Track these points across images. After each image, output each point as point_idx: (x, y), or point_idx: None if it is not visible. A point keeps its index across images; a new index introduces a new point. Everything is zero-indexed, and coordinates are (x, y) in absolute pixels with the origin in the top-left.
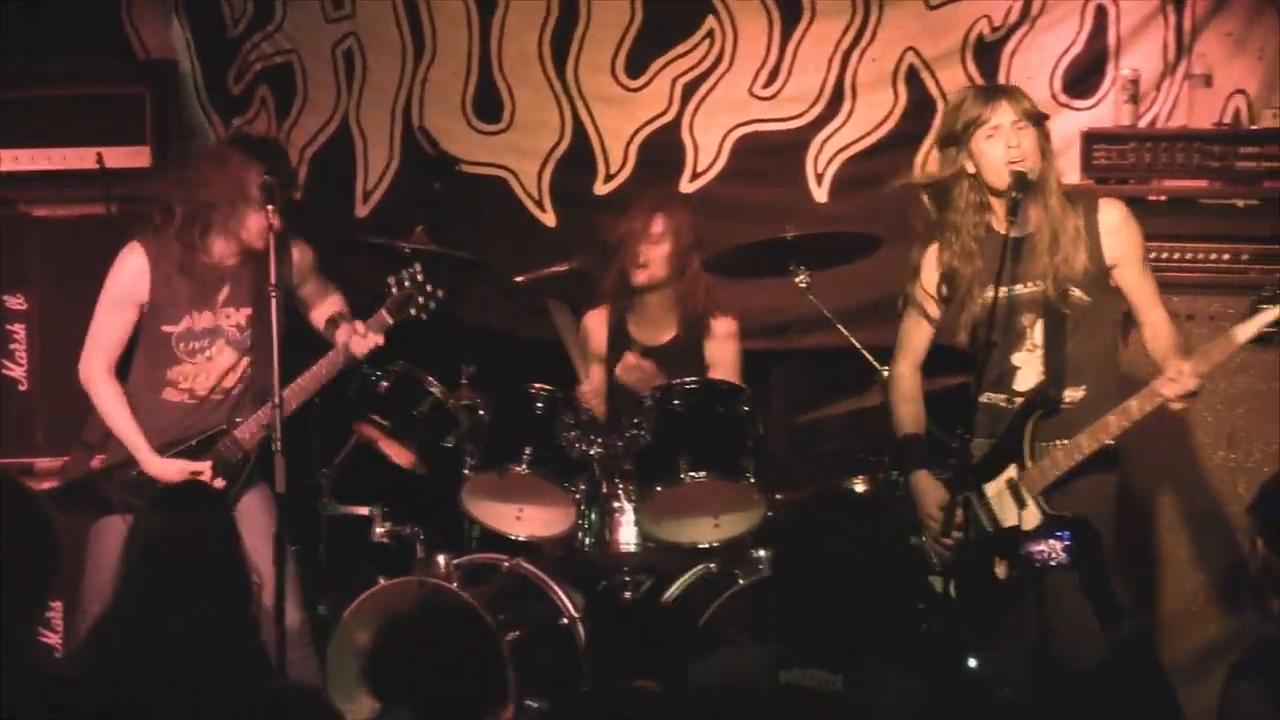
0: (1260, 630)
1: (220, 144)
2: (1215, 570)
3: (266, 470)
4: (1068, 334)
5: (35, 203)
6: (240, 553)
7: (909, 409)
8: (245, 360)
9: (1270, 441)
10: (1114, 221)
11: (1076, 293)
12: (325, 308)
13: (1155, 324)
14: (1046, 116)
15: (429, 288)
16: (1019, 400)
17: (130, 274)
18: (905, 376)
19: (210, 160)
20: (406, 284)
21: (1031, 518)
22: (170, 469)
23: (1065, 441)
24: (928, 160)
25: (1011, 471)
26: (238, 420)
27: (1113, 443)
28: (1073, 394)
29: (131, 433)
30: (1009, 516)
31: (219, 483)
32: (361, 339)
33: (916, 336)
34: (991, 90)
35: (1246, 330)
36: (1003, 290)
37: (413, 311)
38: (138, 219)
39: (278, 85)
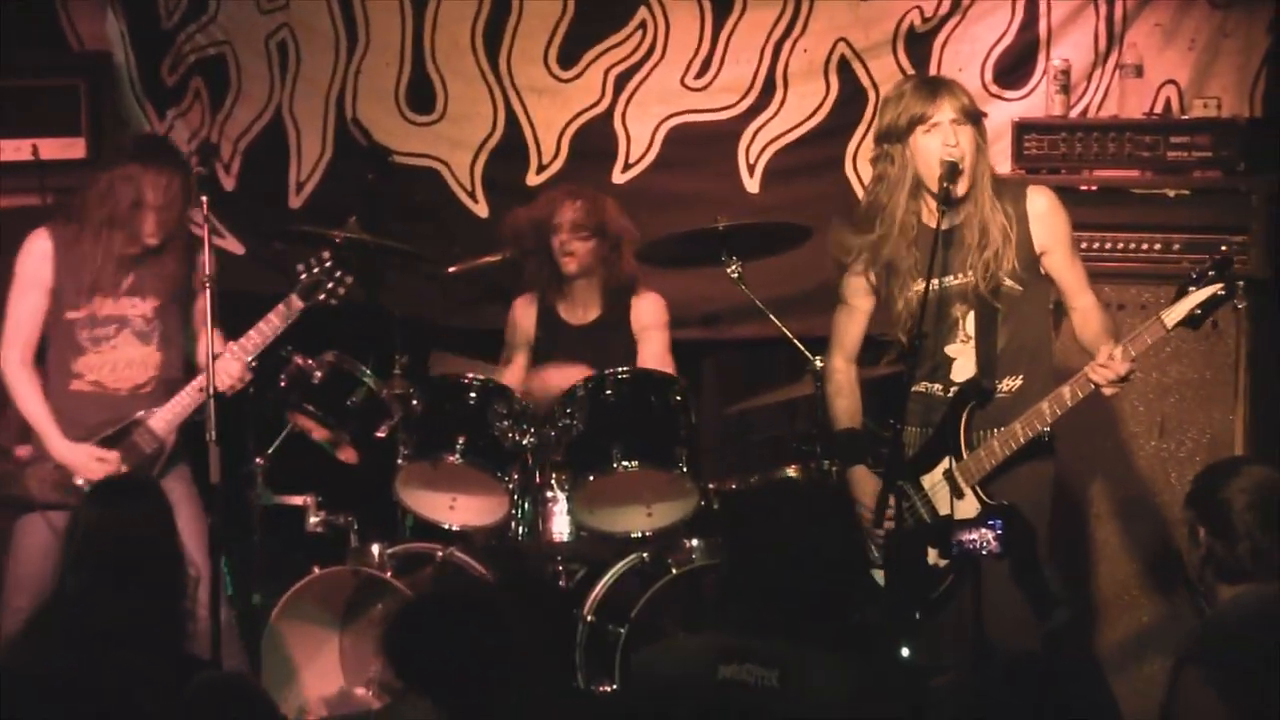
0: (1205, 617)
1: (120, 151)
2: (1147, 559)
3: (187, 458)
4: (1000, 324)
5: None
6: (178, 545)
7: (843, 403)
8: (156, 354)
9: (1202, 430)
10: (1041, 209)
11: (1008, 283)
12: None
13: (1084, 310)
14: (984, 114)
15: (338, 273)
16: (954, 391)
17: (35, 258)
18: (839, 370)
19: (112, 167)
20: (315, 269)
21: (969, 507)
22: (79, 455)
23: (1001, 430)
24: (859, 157)
25: (948, 463)
26: (152, 410)
27: (1048, 430)
28: (1010, 383)
29: (43, 420)
30: (946, 508)
31: (123, 469)
32: (270, 324)
33: (847, 330)
34: (932, 86)
35: (1175, 313)
36: (933, 282)
37: (321, 296)
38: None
39: (212, 77)
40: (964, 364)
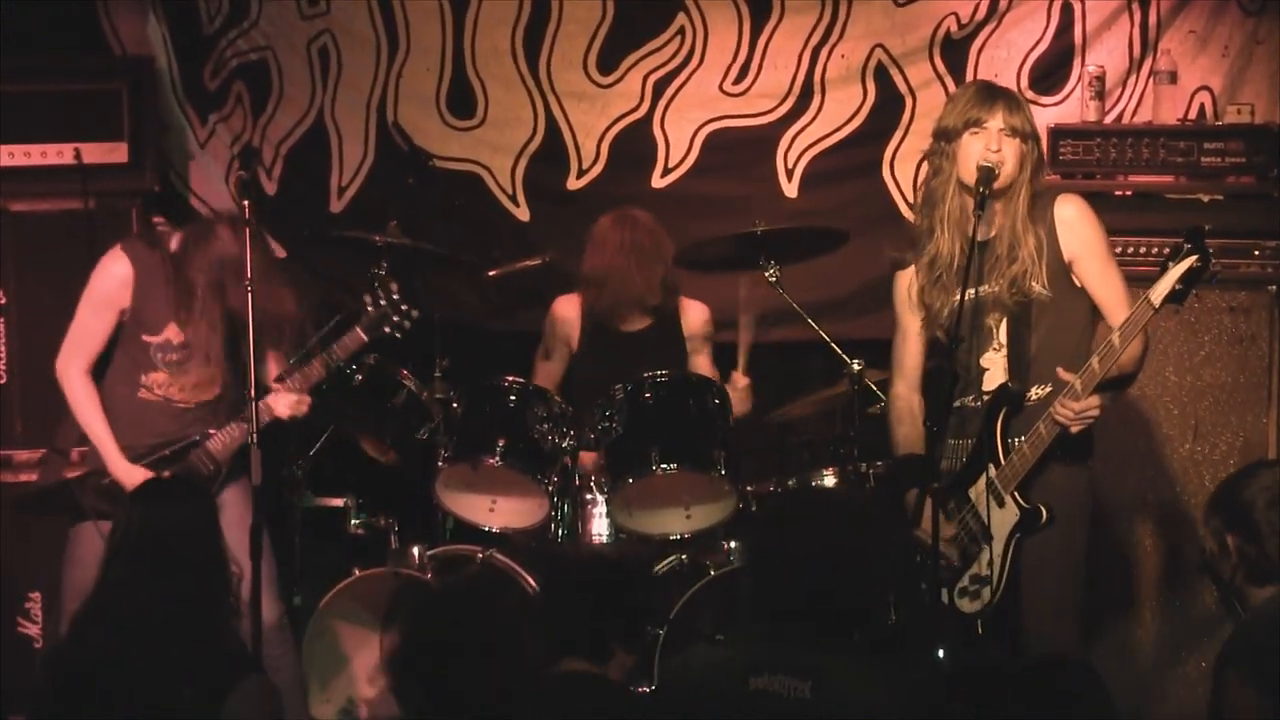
0: (1241, 620)
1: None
2: (1180, 560)
3: (246, 466)
4: (1031, 331)
5: (13, 197)
6: (219, 543)
7: (904, 431)
8: (220, 372)
9: (1235, 434)
10: (1069, 216)
11: (1038, 288)
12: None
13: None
14: (1037, 137)
15: (404, 307)
16: (985, 399)
17: (114, 282)
18: (900, 398)
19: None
20: (383, 302)
21: (1010, 515)
22: (136, 478)
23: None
24: (896, 161)
25: (991, 472)
26: (211, 432)
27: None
28: (1039, 391)
29: (102, 434)
30: (992, 516)
31: None
32: (334, 355)
33: (904, 353)
34: (992, 95)
35: (1159, 291)
36: (969, 292)
37: (386, 329)
38: (114, 214)
39: (254, 81)
40: (995, 374)
